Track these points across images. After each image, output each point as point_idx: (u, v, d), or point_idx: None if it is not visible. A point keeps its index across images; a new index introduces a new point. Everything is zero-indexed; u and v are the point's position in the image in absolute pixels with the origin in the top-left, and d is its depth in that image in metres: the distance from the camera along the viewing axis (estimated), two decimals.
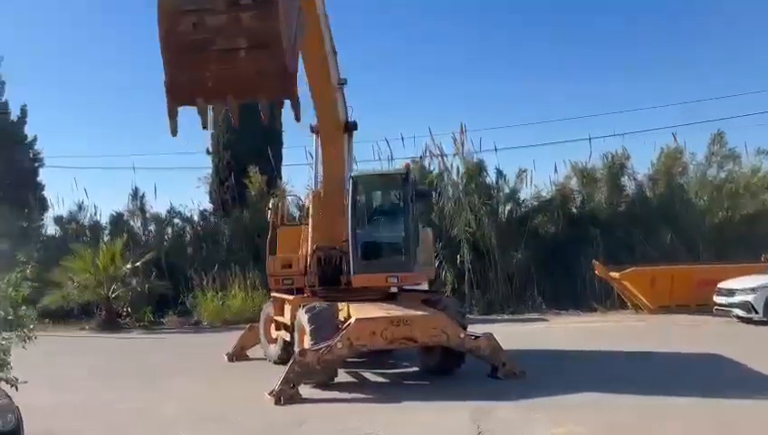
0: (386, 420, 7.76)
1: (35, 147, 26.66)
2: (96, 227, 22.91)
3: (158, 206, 23.63)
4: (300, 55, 9.73)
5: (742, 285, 14.90)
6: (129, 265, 19.45)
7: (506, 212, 21.23)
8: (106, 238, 21.61)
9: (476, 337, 9.52)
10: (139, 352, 14.80)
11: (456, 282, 19.29)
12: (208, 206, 23.97)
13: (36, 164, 26.65)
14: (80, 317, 19.85)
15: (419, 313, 9.63)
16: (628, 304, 18.02)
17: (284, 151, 24.22)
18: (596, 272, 17.85)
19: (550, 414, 7.54)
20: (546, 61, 43.13)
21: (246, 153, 22.62)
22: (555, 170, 21.60)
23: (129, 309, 19.46)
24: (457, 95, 42.91)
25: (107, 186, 43.21)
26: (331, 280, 10.55)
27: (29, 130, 26.73)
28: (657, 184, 21.40)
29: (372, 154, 21.42)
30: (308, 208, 11.51)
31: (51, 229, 24.09)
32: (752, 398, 7.92)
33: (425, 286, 11.86)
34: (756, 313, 14.50)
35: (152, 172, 40.60)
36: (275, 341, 11.56)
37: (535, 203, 21.32)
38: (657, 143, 21.99)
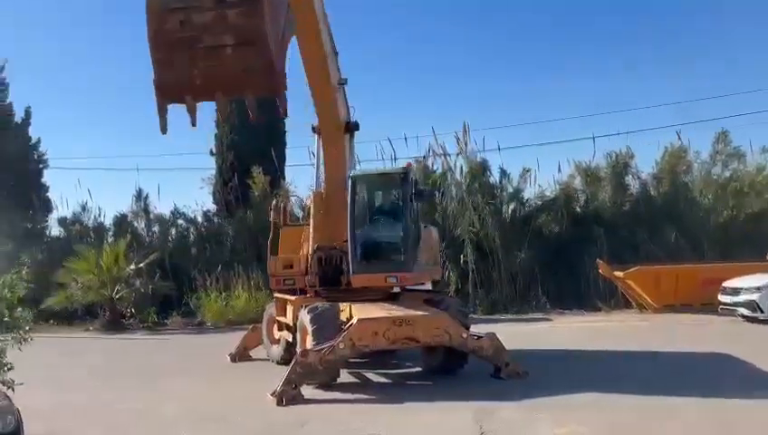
0: (388, 420, 7.73)
1: (39, 148, 26.80)
2: (100, 229, 22.94)
3: (161, 207, 23.72)
4: (300, 55, 9.80)
5: (747, 283, 14.81)
6: (132, 266, 19.48)
7: (510, 212, 21.16)
8: (110, 239, 21.65)
9: (479, 337, 9.49)
10: (142, 352, 14.80)
11: (459, 282, 19.25)
12: (212, 207, 24.03)
13: (41, 165, 26.73)
14: (84, 318, 19.91)
15: (421, 313, 9.59)
16: (633, 303, 17.95)
17: (288, 152, 24.29)
18: (600, 271, 17.79)
19: (553, 414, 7.50)
20: (549, 60, 43.15)
21: (250, 154, 22.64)
22: (559, 170, 21.55)
23: (133, 310, 19.48)
24: (461, 95, 42.94)
25: (111, 187, 43.29)
26: (331, 280, 10.50)
27: (33, 132, 26.88)
28: (662, 183, 21.30)
29: (375, 154, 21.39)
30: (309, 208, 11.49)
31: (55, 230, 24.16)
32: (756, 398, 7.87)
33: (428, 286, 11.83)
34: (761, 312, 14.40)
35: (156, 173, 40.82)
36: (278, 341, 11.54)
37: (539, 202, 21.24)
38: (662, 142, 21.97)
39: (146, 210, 23.18)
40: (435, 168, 21.28)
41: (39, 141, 26.77)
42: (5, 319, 6.24)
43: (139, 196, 23.18)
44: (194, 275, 20.12)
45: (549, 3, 42.90)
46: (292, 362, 8.83)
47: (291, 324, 10.60)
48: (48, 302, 18.86)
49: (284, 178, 22.56)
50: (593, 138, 21.45)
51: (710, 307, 15.60)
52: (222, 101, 6.17)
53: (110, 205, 38.02)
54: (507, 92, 41.41)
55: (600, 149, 21.92)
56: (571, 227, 20.42)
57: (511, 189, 21.18)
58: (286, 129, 24.12)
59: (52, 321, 19.66)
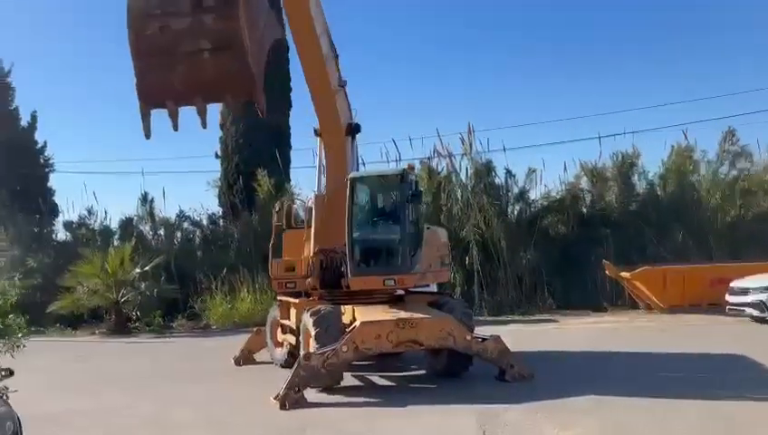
0: (391, 424, 7.71)
1: (46, 153, 26.94)
2: (106, 232, 22.99)
3: (167, 210, 23.75)
4: (298, 57, 9.80)
5: (755, 284, 14.65)
6: (138, 270, 19.51)
7: (516, 212, 21.11)
8: (116, 243, 21.71)
9: (484, 339, 9.42)
10: (147, 356, 14.78)
11: (465, 283, 19.16)
12: (217, 209, 24.08)
13: (47, 170, 26.88)
14: (90, 322, 19.96)
15: (425, 315, 9.52)
16: (640, 304, 17.83)
17: (293, 154, 24.29)
18: (606, 272, 17.69)
19: (558, 417, 7.43)
20: (552, 60, 43.04)
21: (255, 156, 22.70)
22: (565, 170, 21.47)
23: (139, 313, 19.47)
24: (465, 95, 42.93)
25: (116, 190, 43.46)
26: (332, 283, 10.43)
27: (39, 137, 27.01)
28: (668, 182, 21.14)
29: (380, 156, 21.35)
30: (311, 211, 11.44)
31: (61, 235, 24.28)
32: (764, 399, 7.77)
33: (434, 288, 11.76)
34: None
35: (161, 176, 40.92)
36: (282, 344, 11.49)
37: (545, 203, 21.14)
38: (668, 141, 21.83)
39: (151, 214, 23.23)
40: (440, 169, 21.20)
41: (45, 145, 26.97)
42: None
43: (145, 199, 23.24)
44: (199, 278, 20.15)
45: (551, 3, 42.85)
46: (295, 366, 8.78)
47: (294, 327, 10.55)
48: (54, 306, 18.93)
49: (289, 181, 22.61)
50: (599, 137, 21.38)
51: (718, 308, 15.46)
52: (202, 106, 6.20)
53: (115, 208, 38.15)
54: (512, 92, 41.39)
55: (606, 148, 21.87)
56: (578, 227, 20.32)
57: (516, 190, 21.12)
58: (291, 130, 24.19)
59: (58, 325, 19.73)
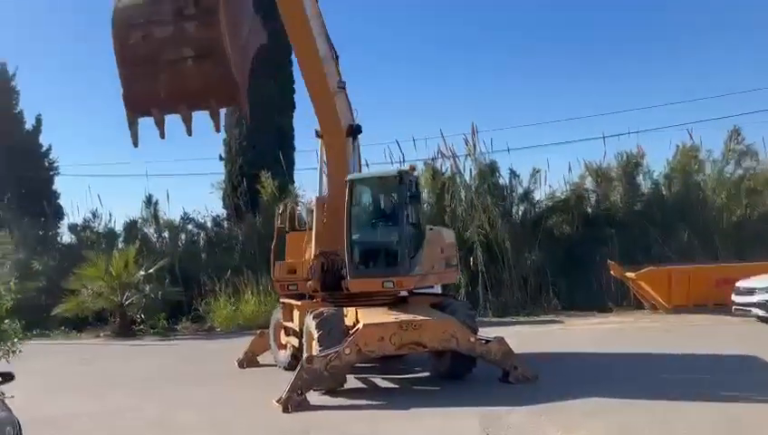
0: (394, 427, 7.70)
1: (50, 156, 27.05)
2: (110, 235, 23.02)
3: (171, 212, 23.74)
4: (296, 59, 9.79)
5: (761, 283, 14.53)
6: (142, 272, 19.48)
7: (520, 213, 20.99)
8: (120, 246, 21.71)
9: (487, 341, 9.38)
10: (151, 359, 14.79)
11: (469, 284, 19.10)
12: (222, 212, 24.07)
13: (51, 172, 27.01)
14: (95, 325, 19.96)
15: (428, 317, 9.48)
16: (645, 304, 17.74)
17: (297, 156, 24.27)
18: (611, 272, 17.61)
19: (562, 419, 7.39)
20: (556, 61, 42.99)
21: (259, 159, 22.68)
22: (569, 170, 21.33)
23: (143, 316, 19.45)
24: (467, 96, 42.92)
25: (121, 193, 43.57)
26: (333, 285, 10.39)
27: (44, 140, 27.13)
28: (674, 182, 21.02)
29: (384, 157, 21.31)
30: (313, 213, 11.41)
31: (66, 237, 24.30)
32: None
33: (438, 289, 11.71)
34: None
35: (165, 179, 40.96)
36: (285, 347, 11.47)
37: (549, 203, 21.02)
38: (673, 141, 21.71)
39: (155, 216, 23.20)
40: (444, 170, 21.15)
41: (50, 149, 27.09)
42: None
43: (149, 202, 23.23)
44: (203, 280, 20.12)
45: (555, 4, 42.77)
46: (298, 369, 8.76)
47: (297, 330, 10.54)
48: (59, 309, 18.96)
49: (293, 183, 22.58)
50: (603, 137, 21.29)
51: (723, 308, 15.36)
52: (187, 114, 6.24)
53: (120, 211, 38.23)
54: (516, 93, 41.32)
55: (610, 148, 21.78)
56: (582, 227, 20.23)
57: (521, 191, 20.99)
58: (295, 132, 24.21)
59: (63, 327, 19.77)
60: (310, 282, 10.57)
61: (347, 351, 8.70)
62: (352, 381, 9.80)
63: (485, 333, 10.27)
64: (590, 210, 21.06)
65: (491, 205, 19.90)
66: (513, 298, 19.16)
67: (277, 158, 22.18)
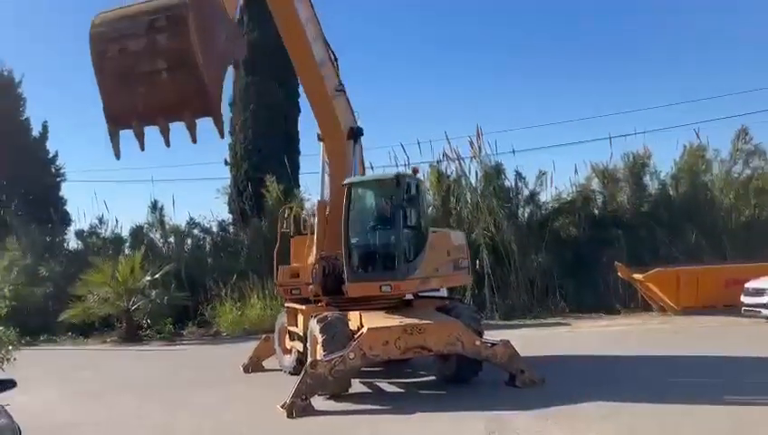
0: (399, 431, 7.63)
1: (57, 162, 27.16)
2: (117, 240, 23.08)
3: (177, 217, 23.78)
4: (293, 63, 9.76)
5: None
6: (148, 278, 19.50)
7: (526, 215, 20.94)
8: (127, 251, 21.76)
9: (493, 344, 9.27)
10: (157, 364, 14.77)
11: (476, 287, 18.99)
12: (227, 216, 24.11)
13: (58, 179, 27.11)
14: (101, 330, 20.00)
15: (433, 321, 9.40)
16: (653, 306, 17.62)
17: (303, 159, 24.26)
18: (619, 274, 17.50)
19: (569, 423, 7.29)
20: (559, 61, 42.88)
21: (264, 163, 22.72)
22: (575, 171, 21.29)
23: (149, 321, 19.48)
24: (470, 96, 42.85)
25: (127, 199, 43.75)
26: (334, 290, 10.30)
27: (50, 146, 27.26)
28: (681, 183, 20.94)
29: (389, 159, 21.27)
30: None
31: (73, 243, 24.38)
32: None
33: (444, 292, 11.62)
34: None
35: (171, 184, 41.03)
36: (290, 351, 11.41)
37: (556, 205, 20.96)
38: (680, 141, 21.61)
39: (161, 221, 23.25)
40: (449, 172, 21.10)
41: (56, 155, 27.21)
42: None
43: (155, 207, 23.28)
44: (209, 284, 20.14)
45: (564, 3, 42.68)
46: (302, 374, 8.68)
47: (302, 334, 10.47)
48: (65, 314, 18.99)
49: (299, 187, 22.57)
50: (610, 138, 21.21)
51: (733, 309, 15.23)
52: (164, 125, 6.31)
53: (126, 216, 38.40)
54: (520, 94, 41.22)
55: (616, 149, 21.70)
56: (589, 229, 20.14)
57: (527, 193, 20.97)
58: (300, 136, 24.19)
59: (70, 333, 19.81)
60: (311, 286, 10.50)
61: (351, 355, 8.63)
62: (357, 386, 9.71)
63: (492, 335, 10.18)
64: (596, 212, 20.99)
65: (497, 207, 19.85)
66: (519, 301, 19.09)
67: (282, 162, 22.18)
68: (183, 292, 19.90)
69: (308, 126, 24.16)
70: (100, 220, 23.56)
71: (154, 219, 23.18)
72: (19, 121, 26.56)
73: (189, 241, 23.45)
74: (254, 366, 12.20)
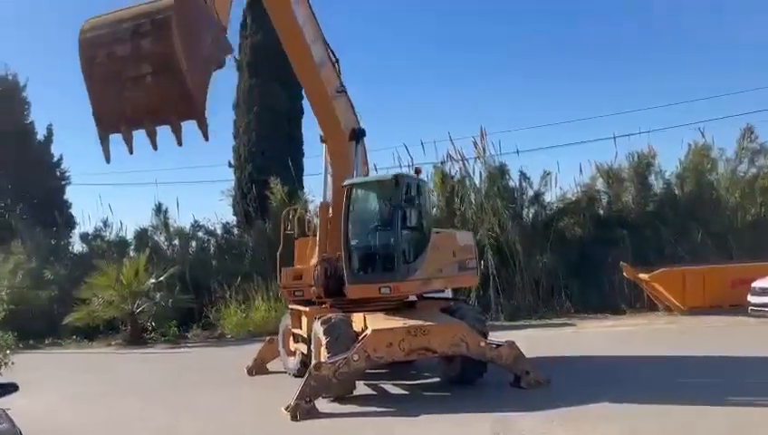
0: (404, 433, 7.58)
1: (62, 166, 27.25)
2: (121, 243, 23.10)
3: (181, 220, 23.79)
4: (293, 66, 9.76)
5: None
6: (152, 280, 19.50)
7: (531, 215, 20.85)
8: (131, 254, 21.78)
9: (498, 345, 9.22)
10: (162, 367, 14.77)
11: (481, 288, 18.92)
12: (231, 219, 24.13)
13: (63, 182, 27.19)
14: (106, 333, 20.01)
15: (437, 322, 9.35)
16: (659, 306, 17.52)
17: (307, 161, 24.26)
18: (624, 274, 17.41)
19: (574, 425, 7.25)
20: (561, 62, 42.81)
21: (268, 165, 22.71)
22: (580, 171, 21.15)
23: (154, 324, 19.48)
24: (472, 97, 42.78)
25: (131, 201, 43.79)
26: (336, 291, 10.26)
27: (55, 150, 27.34)
28: (686, 182, 20.78)
29: (393, 160, 21.23)
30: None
31: (78, 246, 24.42)
32: None
33: (448, 293, 11.56)
34: None
35: (175, 187, 41.10)
36: (294, 353, 11.38)
37: (560, 205, 20.85)
38: (685, 140, 21.48)
39: (165, 224, 23.28)
40: (453, 173, 21.04)
41: (61, 159, 27.30)
42: None
43: (159, 210, 23.31)
44: (214, 287, 20.13)
45: (567, 3, 42.62)
46: (306, 376, 8.65)
47: (306, 336, 10.44)
48: (70, 318, 19.02)
49: (303, 189, 22.54)
50: (614, 138, 21.12)
51: (739, 308, 15.13)
52: (152, 129, 6.36)
53: (130, 219, 38.46)
54: (524, 94, 41.17)
55: (621, 149, 21.59)
56: (594, 229, 20.05)
57: (531, 193, 20.85)
58: (304, 138, 24.20)
59: (75, 336, 19.85)
60: (313, 288, 10.47)
61: (355, 357, 8.59)
62: (362, 388, 9.69)
63: (497, 336, 10.14)
64: (601, 212, 20.89)
65: (501, 207, 19.78)
66: (524, 301, 19.01)
67: (286, 164, 22.19)
68: (187, 294, 19.91)
69: (312, 128, 24.19)
70: (105, 223, 23.68)
71: (158, 222, 23.23)
72: (24, 125, 26.68)
73: (194, 243, 23.47)
74: (258, 368, 12.17)
